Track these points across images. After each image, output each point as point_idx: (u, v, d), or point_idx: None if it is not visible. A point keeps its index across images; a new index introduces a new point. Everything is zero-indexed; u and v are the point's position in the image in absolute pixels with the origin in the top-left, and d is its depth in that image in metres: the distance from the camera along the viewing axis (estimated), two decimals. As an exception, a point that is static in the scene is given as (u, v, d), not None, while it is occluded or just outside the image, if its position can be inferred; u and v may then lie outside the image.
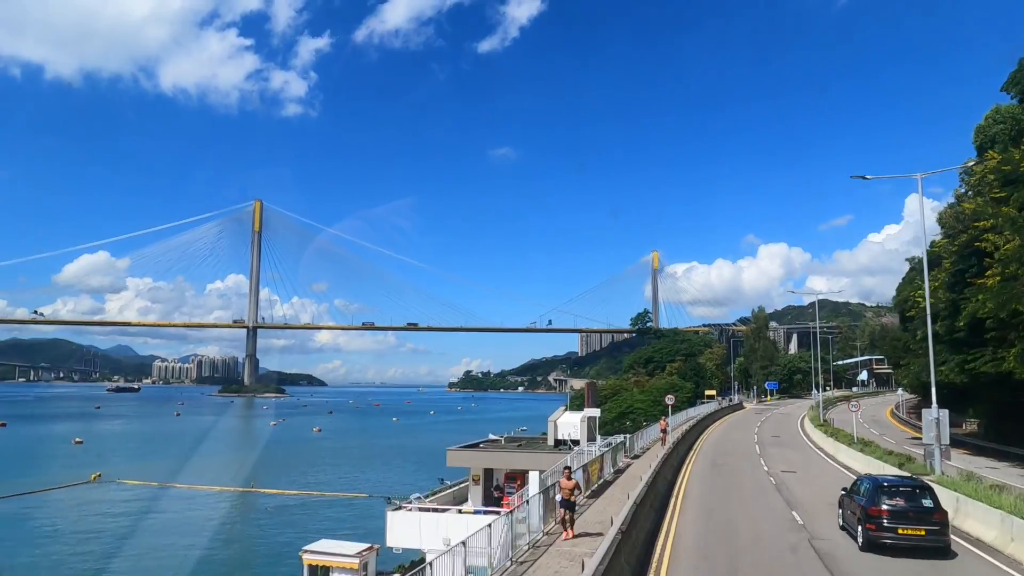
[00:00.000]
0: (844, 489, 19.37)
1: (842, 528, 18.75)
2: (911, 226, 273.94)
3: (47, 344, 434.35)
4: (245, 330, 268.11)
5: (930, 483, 18.60)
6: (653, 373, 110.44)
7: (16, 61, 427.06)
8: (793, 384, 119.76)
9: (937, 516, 15.99)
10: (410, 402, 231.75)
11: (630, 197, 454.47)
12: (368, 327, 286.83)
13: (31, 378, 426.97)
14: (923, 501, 16.36)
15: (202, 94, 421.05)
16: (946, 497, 18.92)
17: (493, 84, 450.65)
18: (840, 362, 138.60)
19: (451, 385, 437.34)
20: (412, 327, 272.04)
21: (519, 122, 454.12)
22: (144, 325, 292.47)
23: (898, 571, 14.92)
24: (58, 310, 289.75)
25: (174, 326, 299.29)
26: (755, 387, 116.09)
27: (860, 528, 16.61)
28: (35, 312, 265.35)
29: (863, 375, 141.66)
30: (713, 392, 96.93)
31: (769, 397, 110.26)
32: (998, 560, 15.55)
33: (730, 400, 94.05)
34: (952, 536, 16.52)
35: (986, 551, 16.35)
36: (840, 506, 19.37)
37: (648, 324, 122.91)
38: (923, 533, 15.77)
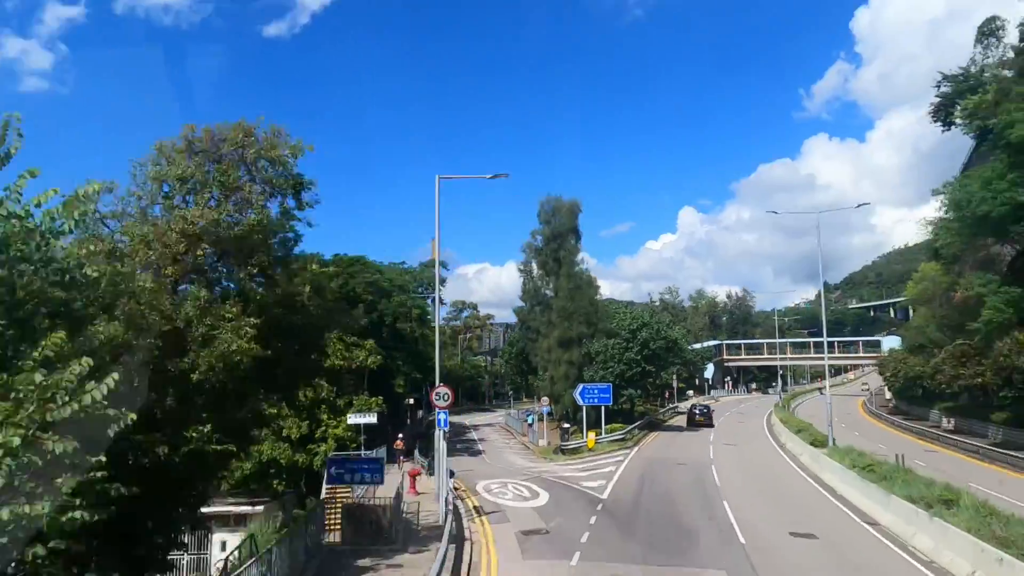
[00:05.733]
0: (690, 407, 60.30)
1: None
2: (684, 236, 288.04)
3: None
4: None
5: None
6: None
7: None
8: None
9: (711, 414, 56.70)
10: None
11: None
12: None
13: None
14: (707, 408, 58.58)
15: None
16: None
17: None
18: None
19: None
20: None
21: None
22: None
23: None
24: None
25: None
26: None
27: (687, 417, 56.90)
28: None
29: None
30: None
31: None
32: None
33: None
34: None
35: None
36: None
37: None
38: (702, 419, 53.95)
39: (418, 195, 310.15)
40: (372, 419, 32.96)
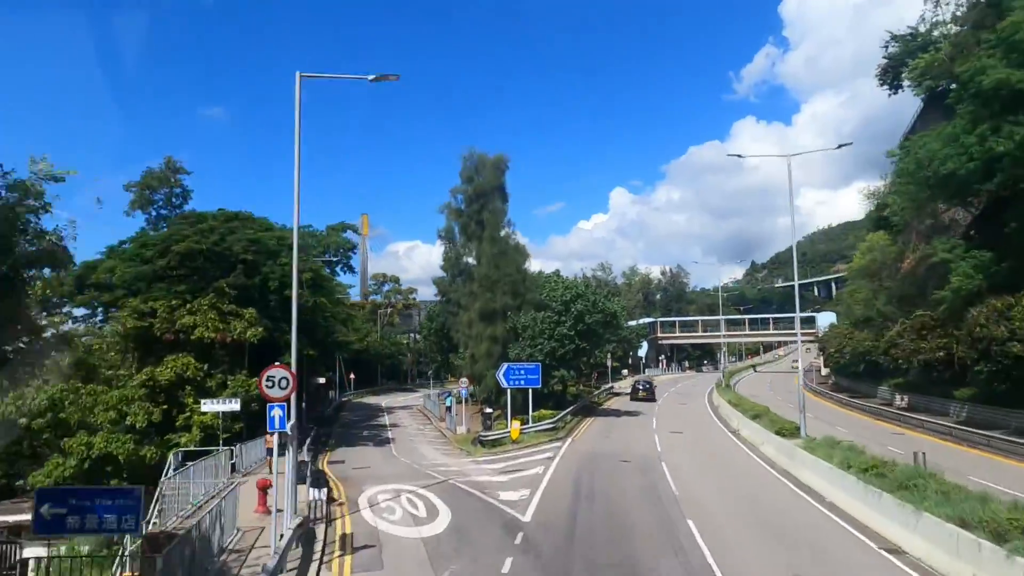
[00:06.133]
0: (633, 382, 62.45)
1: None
2: (615, 216, 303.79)
3: None
4: None
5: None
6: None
7: None
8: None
9: (654, 390, 57.72)
10: None
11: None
12: None
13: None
14: (650, 384, 59.81)
15: None
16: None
17: None
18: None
19: None
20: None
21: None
22: None
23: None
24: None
25: None
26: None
27: (631, 392, 57.76)
28: None
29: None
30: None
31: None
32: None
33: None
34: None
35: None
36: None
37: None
38: (645, 395, 54.98)
39: (357, 169, 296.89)
40: (235, 406, 25.62)
